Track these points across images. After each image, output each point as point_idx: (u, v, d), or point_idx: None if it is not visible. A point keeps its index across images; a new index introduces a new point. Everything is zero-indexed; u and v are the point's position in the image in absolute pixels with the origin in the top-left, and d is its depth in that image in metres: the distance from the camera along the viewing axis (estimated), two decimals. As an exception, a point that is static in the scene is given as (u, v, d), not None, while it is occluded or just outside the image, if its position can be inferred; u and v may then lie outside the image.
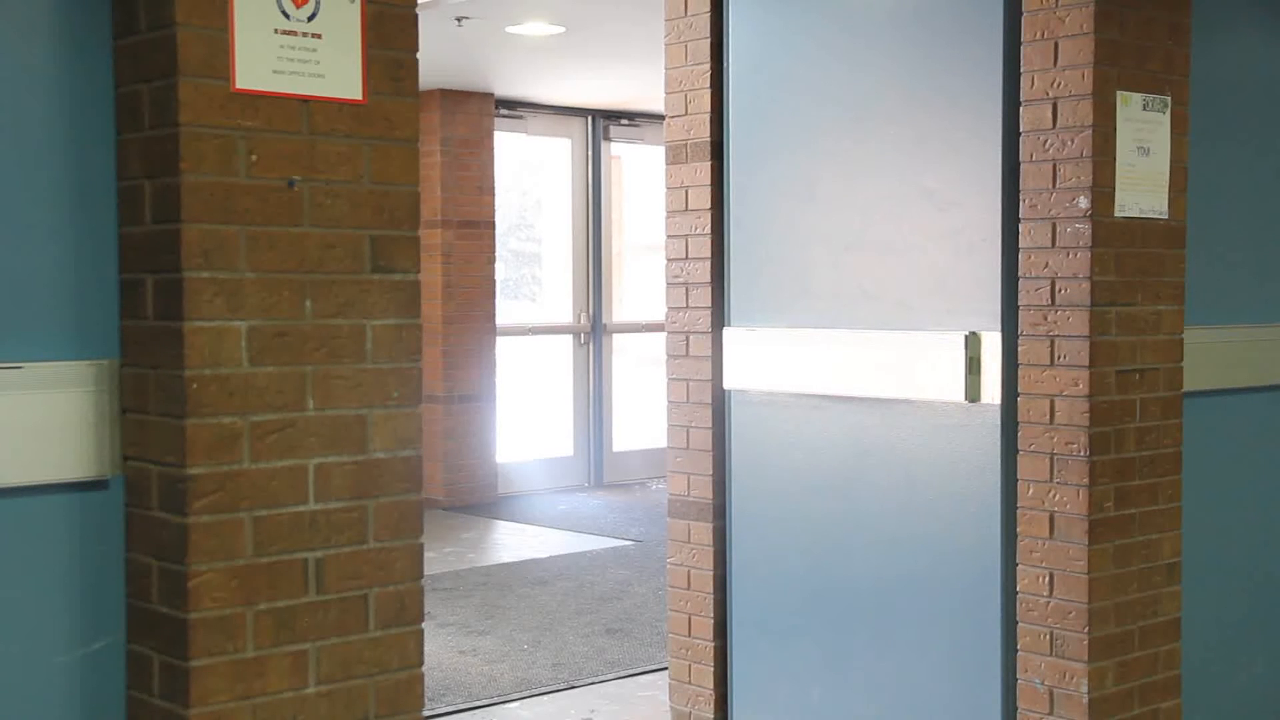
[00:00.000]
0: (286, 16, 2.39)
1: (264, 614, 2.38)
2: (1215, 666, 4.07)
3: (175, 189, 2.29)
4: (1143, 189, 3.62)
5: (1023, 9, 3.59)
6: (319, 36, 2.42)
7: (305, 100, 2.41)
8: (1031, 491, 3.60)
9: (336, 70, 2.44)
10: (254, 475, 2.36)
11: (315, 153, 2.42)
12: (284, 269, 2.39)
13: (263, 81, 2.36)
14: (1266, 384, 4.24)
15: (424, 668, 2.60)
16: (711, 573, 4.35)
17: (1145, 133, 3.61)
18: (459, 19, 6.72)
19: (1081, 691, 3.53)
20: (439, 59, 7.77)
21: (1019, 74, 3.60)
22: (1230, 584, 4.16)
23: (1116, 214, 3.56)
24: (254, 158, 2.36)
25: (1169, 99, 3.67)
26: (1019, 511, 3.64)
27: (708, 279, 4.33)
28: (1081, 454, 3.53)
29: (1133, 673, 3.65)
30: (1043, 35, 3.55)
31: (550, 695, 4.93)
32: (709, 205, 4.33)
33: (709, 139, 4.32)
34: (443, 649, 5.51)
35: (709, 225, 4.33)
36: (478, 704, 4.83)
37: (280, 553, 2.39)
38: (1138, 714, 3.66)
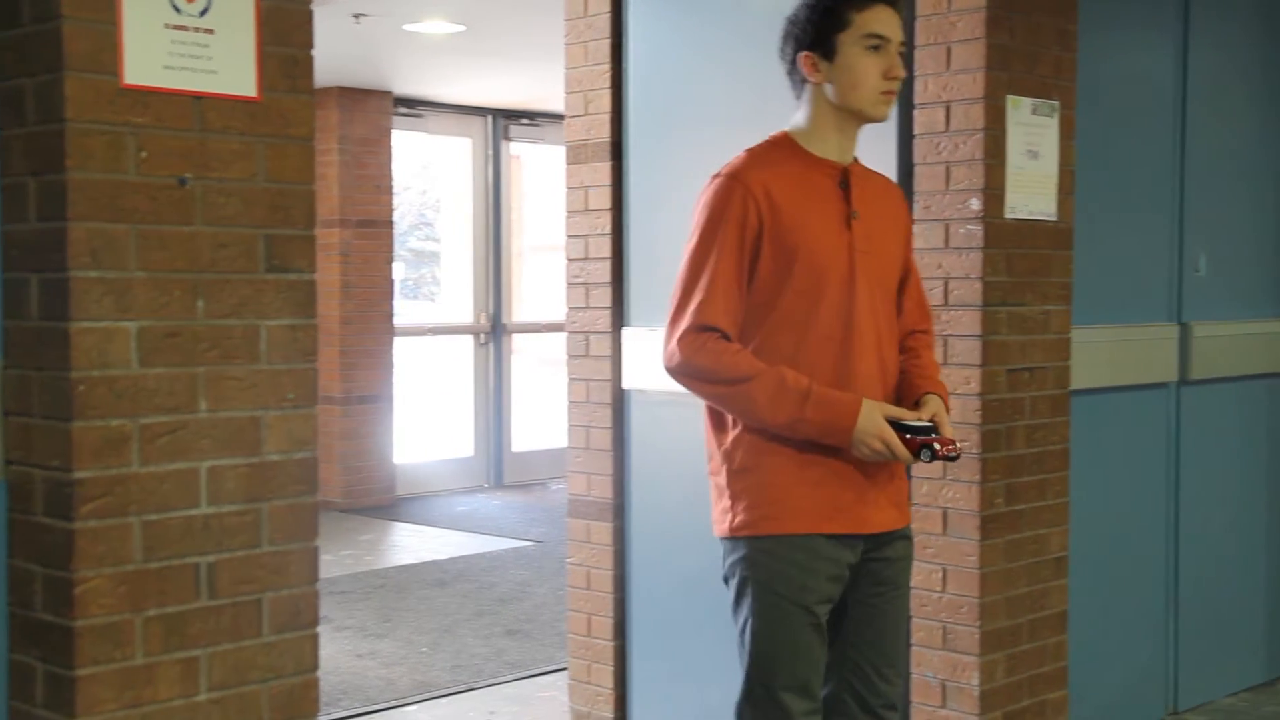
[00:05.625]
0: (177, 11, 2.35)
1: (153, 620, 2.33)
2: (1100, 658, 4.17)
3: (61, 186, 2.24)
4: (1032, 191, 3.70)
5: (916, 13, 3.65)
6: (211, 32, 2.38)
7: (197, 97, 2.37)
8: (925, 488, 3.66)
9: (230, 66, 2.41)
10: (144, 479, 2.32)
11: (208, 150, 2.38)
12: (175, 268, 2.35)
13: (153, 77, 2.32)
14: (1149, 381, 4.35)
15: (320, 672, 2.57)
16: (611, 572, 4.36)
17: (1034, 136, 3.69)
18: (356, 16, 6.65)
19: (973, 684, 3.60)
20: (336, 56, 7.68)
21: (913, 77, 3.66)
22: (1114, 577, 4.27)
23: (1007, 215, 3.64)
24: (144, 155, 2.31)
25: (1057, 103, 3.75)
26: (913, 508, 3.69)
27: (608, 279, 4.34)
28: (973, 451, 3.59)
29: (1022, 665, 3.73)
30: (936, 40, 3.62)
31: (449, 698, 4.90)
32: (609, 205, 4.33)
33: (609, 139, 4.33)
34: (339, 653, 5.44)
35: (609, 225, 4.34)
36: (375, 708, 4.78)
37: (171, 557, 2.35)
38: (1026, 705, 3.74)
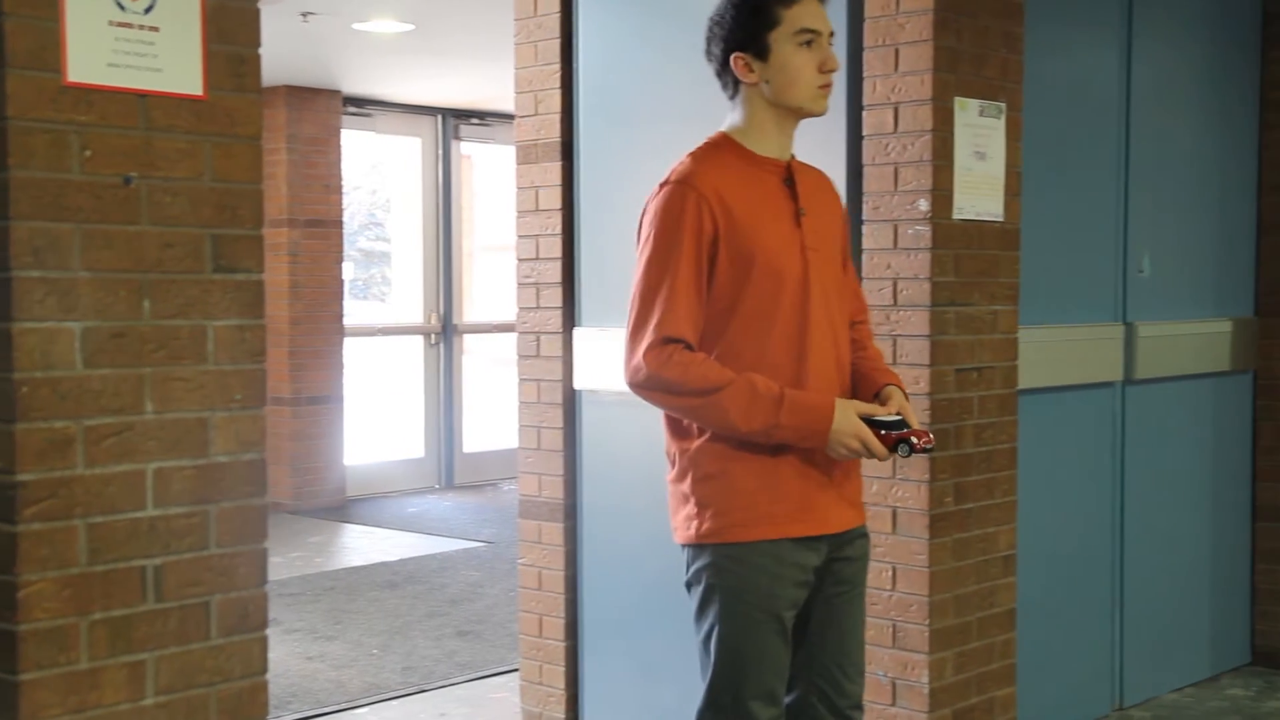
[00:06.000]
0: (121, 8, 2.32)
1: (99, 624, 2.31)
2: (1047, 655, 4.22)
3: (3, 185, 2.21)
4: (980, 192, 3.74)
5: (864, 15, 3.67)
6: (156, 29, 2.36)
7: (142, 95, 2.35)
8: (875, 487, 3.68)
9: (175, 64, 2.39)
10: (89, 481, 2.29)
11: (153, 149, 2.36)
12: (120, 268, 2.33)
13: (97, 75, 2.30)
14: (1094, 381, 4.40)
15: (269, 675, 2.55)
16: (563, 573, 4.35)
17: (982, 138, 3.72)
18: (304, 14, 6.60)
19: (922, 682, 3.63)
20: (284, 55, 7.62)
21: (861, 79, 3.68)
22: (1061, 575, 4.31)
23: (955, 216, 3.66)
24: (88, 153, 2.29)
25: (1004, 105, 3.79)
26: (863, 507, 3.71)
27: (558, 279, 4.33)
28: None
29: (971, 662, 3.76)
30: (884, 41, 3.64)
31: (400, 700, 4.88)
32: (560, 205, 4.33)
33: (559, 139, 4.33)
34: (289, 655, 5.40)
35: (560, 225, 4.33)
36: (326, 710, 4.75)
37: (117, 560, 2.33)
38: (975, 703, 3.77)
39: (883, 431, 2.48)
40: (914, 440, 2.48)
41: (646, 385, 2.50)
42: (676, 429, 2.59)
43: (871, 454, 2.48)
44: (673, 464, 2.61)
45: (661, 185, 2.55)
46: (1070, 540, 4.34)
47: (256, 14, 2.50)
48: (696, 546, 2.55)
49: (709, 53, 2.62)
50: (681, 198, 2.50)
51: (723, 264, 2.49)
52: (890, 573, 3.67)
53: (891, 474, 3.65)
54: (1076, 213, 4.33)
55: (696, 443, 2.54)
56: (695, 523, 2.54)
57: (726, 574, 2.51)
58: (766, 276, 2.50)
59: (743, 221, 2.50)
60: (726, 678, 2.53)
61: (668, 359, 2.47)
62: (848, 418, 2.46)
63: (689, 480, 2.55)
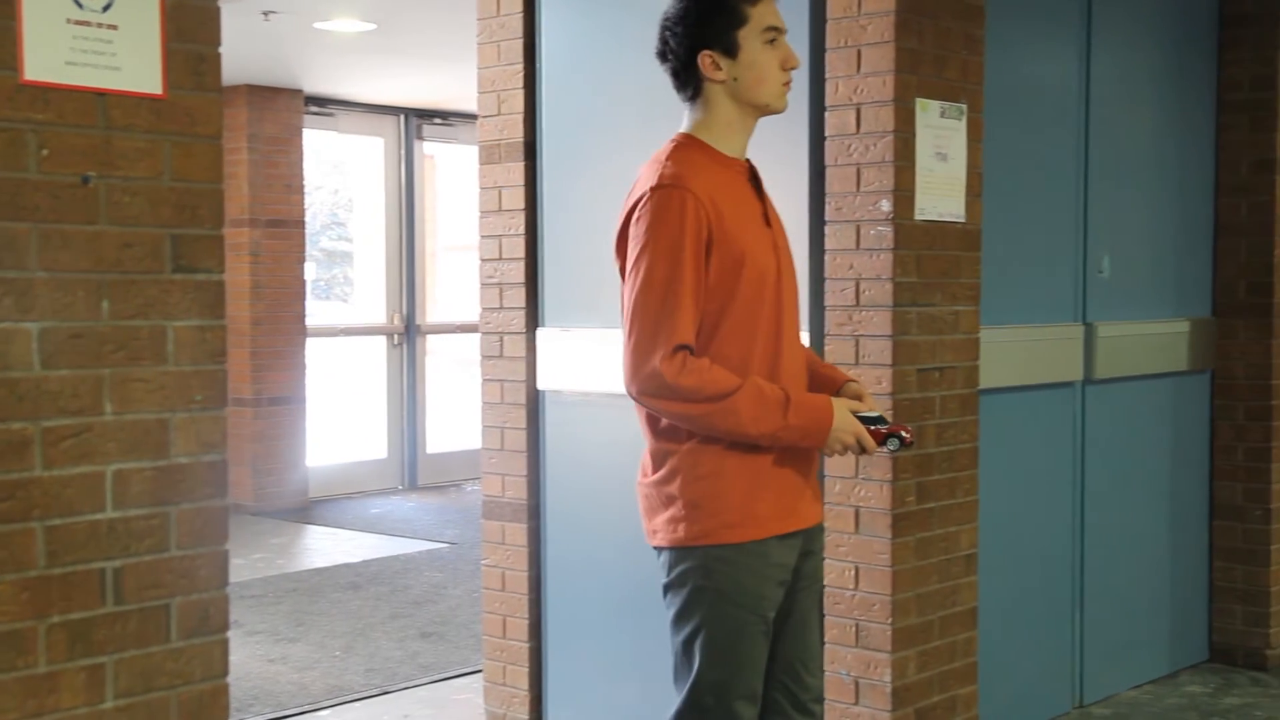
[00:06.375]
0: (80, 6, 2.30)
1: (57, 627, 2.29)
2: (1008, 653, 4.24)
3: (-41, 184, 2.19)
4: (941, 193, 3.76)
5: (827, 16, 3.69)
6: (115, 28, 2.34)
7: (101, 93, 2.33)
8: (838, 488, 3.70)
9: (134, 63, 2.37)
10: (47, 483, 2.27)
11: (112, 148, 2.34)
12: (79, 268, 2.31)
13: (54, 73, 2.28)
14: (1055, 380, 4.44)
15: (231, 678, 2.54)
16: (526, 574, 4.35)
17: (943, 139, 3.74)
18: (265, 13, 6.56)
19: (885, 681, 3.64)
20: (245, 54, 7.58)
21: (824, 79, 3.70)
22: (1022, 574, 4.34)
23: (917, 217, 3.68)
24: (45, 152, 2.27)
25: (965, 106, 3.81)
26: (825, 507, 3.73)
27: (522, 279, 4.32)
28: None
29: (933, 661, 3.78)
30: (846, 43, 3.65)
31: (363, 701, 4.86)
32: (523, 206, 4.32)
33: (522, 139, 4.32)
34: (251, 658, 5.37)
35: (523, 226, 4.33)
36: (288, 713, 4.72)
37: (75, 563, 2.31)
38: (937, 701, 3.79)
39: (872, 428, 2.55)
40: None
41: (660, 394, 2.47)
42: (665, 431, 2.55)
43: (863, 450, 2.54)
44: (658, 465, 2.56)
45: (653, 189, 2.51)
46: (1031, 539, 4.37)
47: (217, 12, 2.49)
48: (681, 549, 2.52)
49: (666, 51, 2.62)
50: (680, 201, 2.48)
51: (715, 266, 2.49)
52: (853, 572, 3.68)
53: (854, 474, 3.67)
54: (1037, 214, 4.36)
55: (689, 444, 2.52)
56: (683, 525, 2.52)
57: (716, 576, 2.50)
58: (754, 277, 2.52)
59: (731, 223, 2.50)
60: (712, 679, 2.52)
61: (681, 367, 2.45)
62: (845, 416, 2.52)
63: (679, 482, 2.52)
